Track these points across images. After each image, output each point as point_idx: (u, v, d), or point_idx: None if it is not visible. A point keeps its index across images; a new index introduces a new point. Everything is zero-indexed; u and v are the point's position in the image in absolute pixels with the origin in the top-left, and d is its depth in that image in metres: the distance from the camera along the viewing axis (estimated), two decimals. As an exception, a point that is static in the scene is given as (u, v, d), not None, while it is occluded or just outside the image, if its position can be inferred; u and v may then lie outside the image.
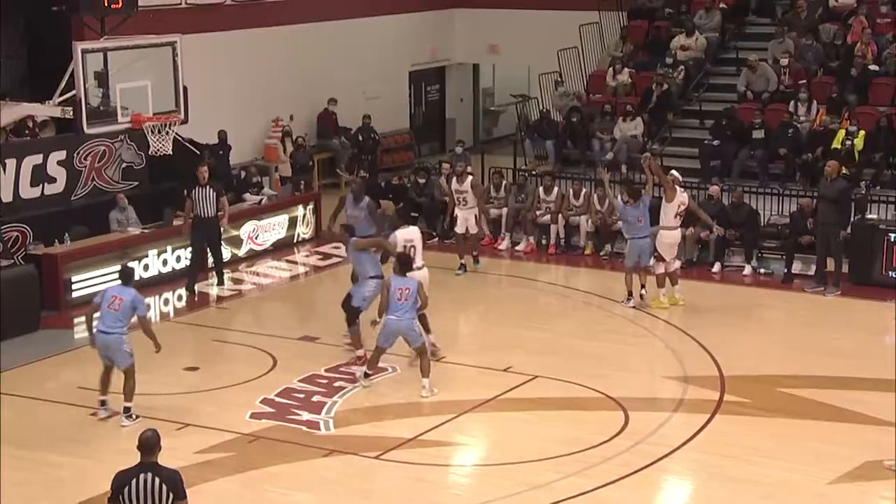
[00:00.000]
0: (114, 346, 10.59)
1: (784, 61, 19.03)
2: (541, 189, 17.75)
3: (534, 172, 18.87)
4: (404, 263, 11.58)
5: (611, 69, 20.41)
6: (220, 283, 15.28)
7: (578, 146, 19.38)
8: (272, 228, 17.34)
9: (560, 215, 17.42)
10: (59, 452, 10.13)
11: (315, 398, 11.37)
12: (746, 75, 19.16)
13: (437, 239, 18.11)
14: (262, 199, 17.82)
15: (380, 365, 11.97)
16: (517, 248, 17.63)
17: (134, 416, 10.69)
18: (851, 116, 17.53)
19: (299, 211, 18.01)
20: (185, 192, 14.99)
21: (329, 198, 19.68)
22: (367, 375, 11.64)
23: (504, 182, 18.22)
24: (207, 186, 14.84)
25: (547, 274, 16.74)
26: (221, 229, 15.21)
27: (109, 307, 10.59)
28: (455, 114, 25.46)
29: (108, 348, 10.62)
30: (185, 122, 14.92)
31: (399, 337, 11.42)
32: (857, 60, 18.66)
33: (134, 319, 10.66)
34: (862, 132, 17.18)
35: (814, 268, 15.43)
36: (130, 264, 12.20)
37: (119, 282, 10.92)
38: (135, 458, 6.81)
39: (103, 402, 10.88)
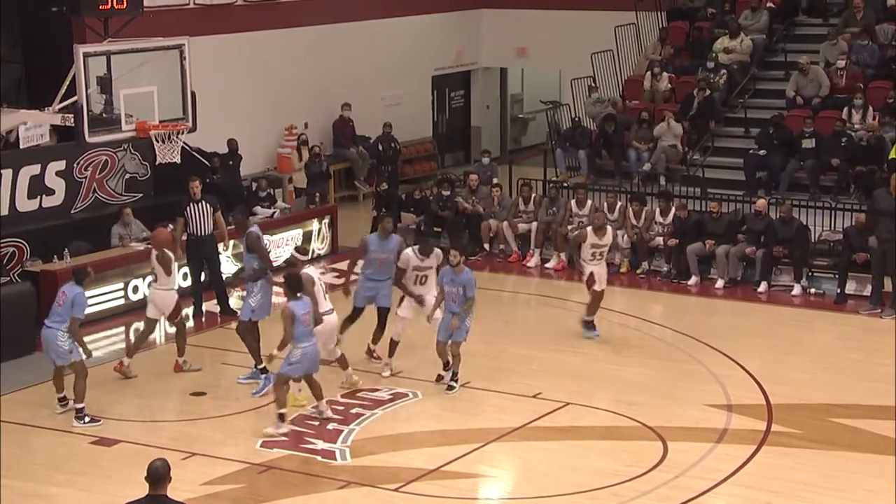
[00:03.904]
0: (50, 341, 11.30)
1: (841, 63, 18.97)
2: (573, 202, 17.75)
3: (565, 184, 18.88)
4: (293, 286, 11.04)
5: (648, 73, 20.41)
6: (224, 310, 15.08)
7: (613, 156, 19.39)
8: (285, 244, 17.41)
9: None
10: (55, 484, 10.19)
11: (330, 426, 11.40)
12: (797, 79, 19.12)
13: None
14: (274, 213, 17.91)
15: (401, 390, 11.99)
16: (547, 265, 17.63)
17: (86, 419, 11.20)
18: (910, 124, 17.45)
19: (314, 225, 18.08)
20: (178, 208, 14.89)
21: (346, 210, 19.80)
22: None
23: (533, 195, 18.25)
24: (202, 202, 14.82)
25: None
26: (220, 248, 15.17)
27: (55, 302, 11.36)
28: (481, 121, 25.53)
29: (47, 343, 11.37)
30: (193, 130, 14.99)
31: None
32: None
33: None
34: (921, 141, 17.10)
35: (869, 288, 15.35)
36: (84, 270, 11.93)
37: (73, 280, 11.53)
38: (136, 490, 6.84)
39: (60, 400, 11.62)
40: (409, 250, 12.74)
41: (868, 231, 15.48)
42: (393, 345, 12.77)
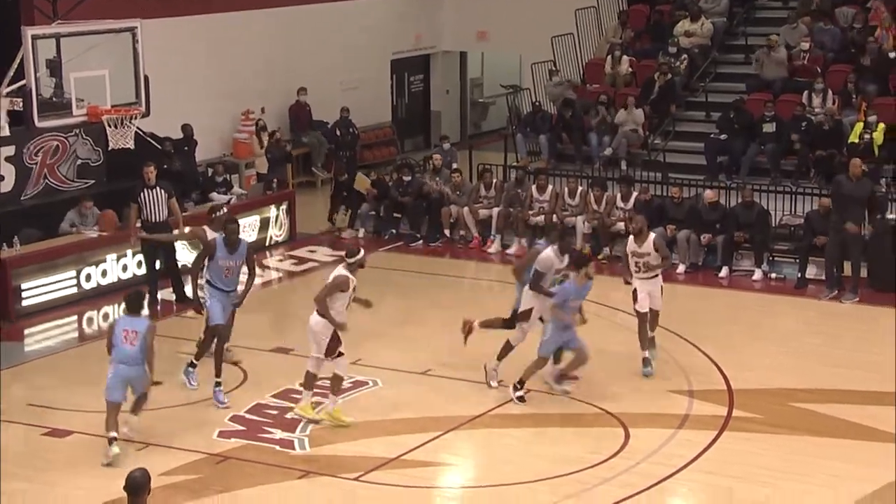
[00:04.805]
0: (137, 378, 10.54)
1: (805, 45, 19.09)
2: (534, 187, 17.78)
3: (526, 170, 18.89)
4: (133, 302, 10.51)
5: (609, 57, 20.46)
6: (180, 298, 14.95)
7: (574, 141, 19.43)
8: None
9: (554, 216, 17.46)
10: (5, 477, 10.06)
11: (289, 415, 11.35)
12: (761, 57, 19.19)
13: (421, 242, 18.13)
14: (230, 199, 17.79)
15: (361, 378, 11.97)
16: (508, 251, 17.65)
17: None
18: (869, 108, 17.59)
19: (272, 212, 17.99)
20: (132, 194, 14.74)
21: (304, 197, 19.72)
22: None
23: (494, 180, 18.26)
24: (157, 188, 14.67)
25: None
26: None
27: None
28: (441, 106, 25.49)
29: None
30: (146, 114, 14.87)
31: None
32: (876, 46, 18.74)
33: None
34: (882, 125, 17.26)
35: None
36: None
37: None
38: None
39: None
40: (548, 251, 11.69)
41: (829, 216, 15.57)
42: (507, 348, 11.94)
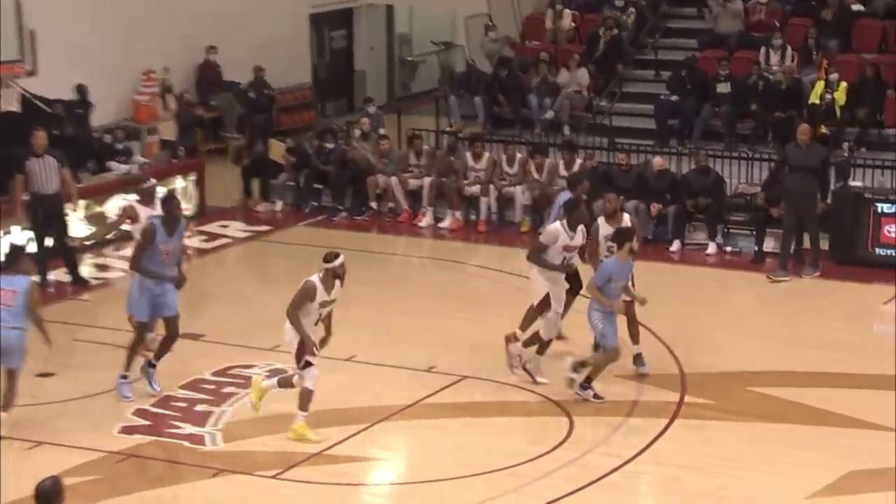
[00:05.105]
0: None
1: None
2: (468, 155, 17.80)
3: (460, 135, 18.91)
4: (11, 258, 10.54)
5: (550, 11, 20.53)
6: (75, 279, 14.87)
7: (512, 103, 19.47)
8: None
9: (491, 186, 17.50)
10: None
11: (199, 407, 11.29)
12: (715, 10, 19.34)
13: (345, 215, 18.09)
14: (131, 169, 17.58)
15: (279, 366, 11.96)
16: (441, 224, 17.67)
17: None
18: (831, 66, 17.83)
19: (178, 182, 17.82)
20: (18, 164, 14.51)
21: (214, 166, 19.55)
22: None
23: (425, 147, 18.26)
24: (47, 156, 14.45)
25: (477, 255, 16.81)
26: (67, 209, 14.81)
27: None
28: (365, 65, 25.41)
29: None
30: (32, 73, 14.63)
31: None
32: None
33: None
34: (844, 84, 17.51)
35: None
36: None
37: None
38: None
39: None
40: (556, 224, 11.58)
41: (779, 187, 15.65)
42: (543, 344, 11.81)
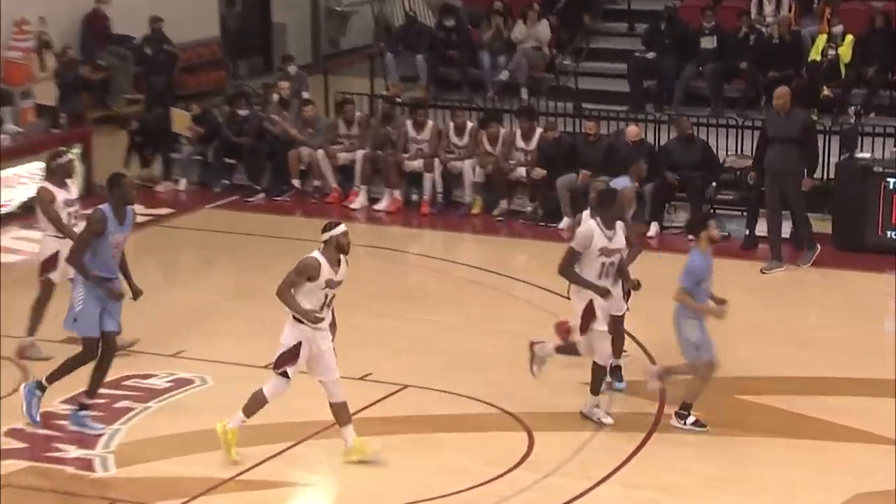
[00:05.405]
0: None
1: None
2: (409, 123, 17.88)
3: (398, 100, 18.97)
4: None
5: (505, -48, 20.63)
6: None
7: (460, 62, 19.55)
8: (18, 183, 17.10)
9: (436, 160, 17.59)
10: None
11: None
12: None
13: (262, 196, 18.12)
14: (1, 140, 17.53)
15: (184, 376, 12.00)
16: (377, 206, 17.75)
17: None
18: (834, 16, 18.00)
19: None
20: None
21: (103, 137, 19.48)
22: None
23: (357, 114, 18.30)
24: None
25: (419, 242, 16.90)
26: None
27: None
28: (285, 17, 25.39)
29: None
30: None
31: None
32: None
33: None
34: (849, 37, 17.70)
35: (788, 229, 15.78)
36: None
37: None
38: None
39: None
40: (589, 222, 10.95)
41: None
42: (604, 370, 11.42)
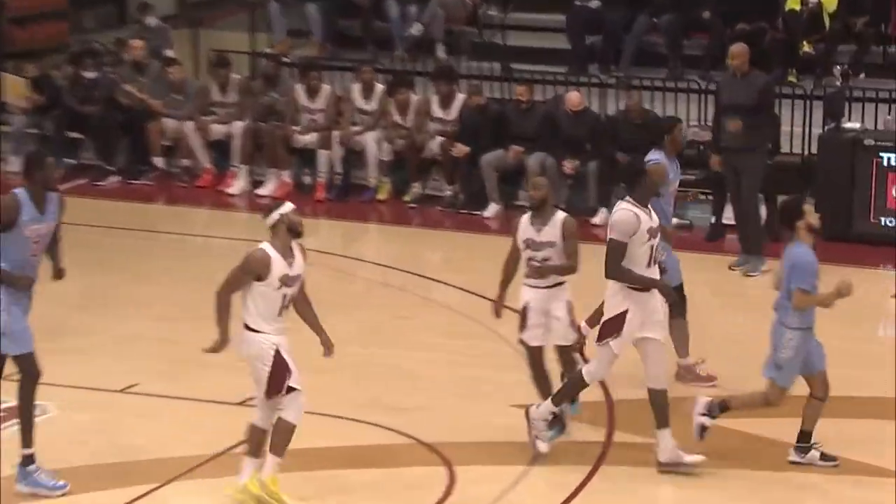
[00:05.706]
0: None
1: None
2: (300, 88, 17.79)
3: (286, 59, 18.89)
4: None
5: None
6: None
7: (363, 14, 19.50)
8: None
9: (334, 134, 17.52)
10: None
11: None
12: None
13: (117, 178, 17.96)
14: None
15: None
16: (260, 191, 17.68)
17: None
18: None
19: None
20: None
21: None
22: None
23: (235, 77, 18.20)
24: None
25: (313, 235, 16.71)
26: None
27: None
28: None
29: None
30: None
31: None
32: None
33: None
34: (835, -18, 17.85)
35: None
36: None
37: None
38: None
39: None
40: (624, 205, 11.01)
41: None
42: (581, 388, 11.48)
